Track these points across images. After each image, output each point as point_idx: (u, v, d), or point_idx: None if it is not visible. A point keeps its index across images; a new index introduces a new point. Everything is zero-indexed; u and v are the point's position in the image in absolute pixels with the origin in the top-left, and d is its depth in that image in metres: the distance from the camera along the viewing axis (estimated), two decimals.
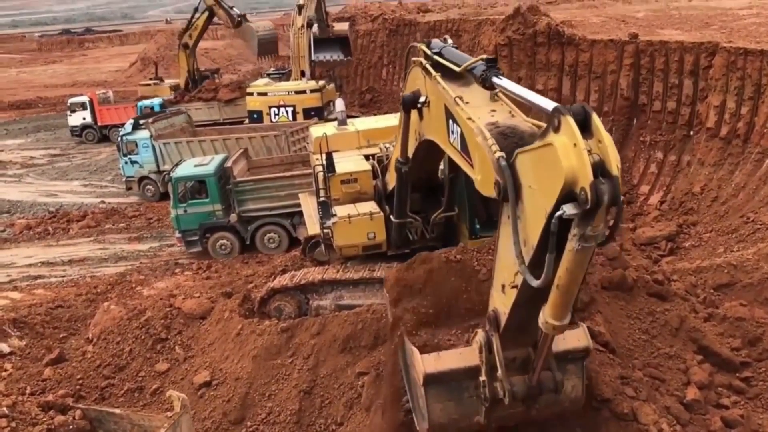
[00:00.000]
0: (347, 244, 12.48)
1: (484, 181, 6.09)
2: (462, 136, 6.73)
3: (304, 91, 31.23)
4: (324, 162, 12.37)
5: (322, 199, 12.71)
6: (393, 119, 13.02)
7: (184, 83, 40.22)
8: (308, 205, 16.26)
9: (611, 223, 4.86)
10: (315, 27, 33.44)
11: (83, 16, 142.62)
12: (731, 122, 19.18)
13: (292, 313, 12.67)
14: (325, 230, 12.89)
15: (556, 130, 4.86)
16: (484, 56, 7.34)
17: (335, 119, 15.21)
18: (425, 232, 11.93)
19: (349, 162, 12.83)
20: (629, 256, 13.15)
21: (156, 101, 37.37)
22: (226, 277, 18.11)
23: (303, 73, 33.86)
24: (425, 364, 6.88)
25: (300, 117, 30.79)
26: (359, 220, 12.15)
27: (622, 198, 4.74)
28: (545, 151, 4.96)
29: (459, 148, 6.87)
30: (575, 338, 6.98)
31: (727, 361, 10.78)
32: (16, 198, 30.41)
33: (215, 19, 39.24)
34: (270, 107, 31.33)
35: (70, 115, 41.31)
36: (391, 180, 11.57)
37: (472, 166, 6.49)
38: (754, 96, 18.70)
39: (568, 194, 4.75)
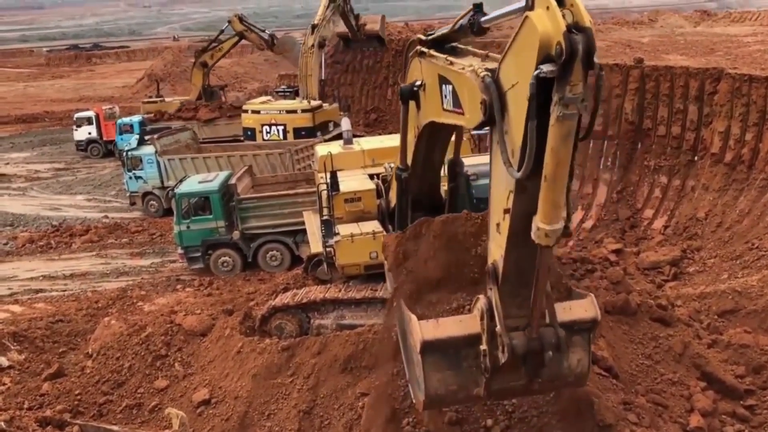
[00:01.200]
0: (349, 263, 12.50)
1: (473, 115, 6.01)
2: (454, 91, 6.68)
3: (295, 111, 31.46)
4: (328, 180, 12.39)
5: (325, 217, 12.70)
6: (398, 139, 13.07)
7: (195, 99, 40.67)
8: (312, 223, 16.28)
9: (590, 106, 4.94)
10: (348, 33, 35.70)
11: (91, 32, 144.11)
12: (736, 148, 19.21)
13: (293, 332, 12.62)
14: (328, 249, 12.86)
15: (531, 7, 4.96)
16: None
17: (338, 138, 15.27)
18: None
19: (354, 181, 12.85)
20: (633, 280, 13.09)
21: (135, 119, 37.84)
22: (228, 295, 18.06)
23: (297, 93, 34.31)
24: (423, 330, 6.44)
25: (290, 136, 31.00)
26: (362, 240, 12.17)
27: (597, 61, 4.85)
28: (523, 30, 5.04)
29: (452, 105, 6.78)
30: (582, 309, 6.50)
31: (731, 389, 10.68)
32: (20, 211, 30.47)
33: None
34: (262, 125, 31.58)
35: (76, 130, 41.53)
36: (393, 196, 11.41)
37: (463, 114, 6.45)
38: (759, 122, 18.75)
39: (546, 58, 4.81)
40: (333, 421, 10.66)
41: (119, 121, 38.47)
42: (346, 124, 15.70)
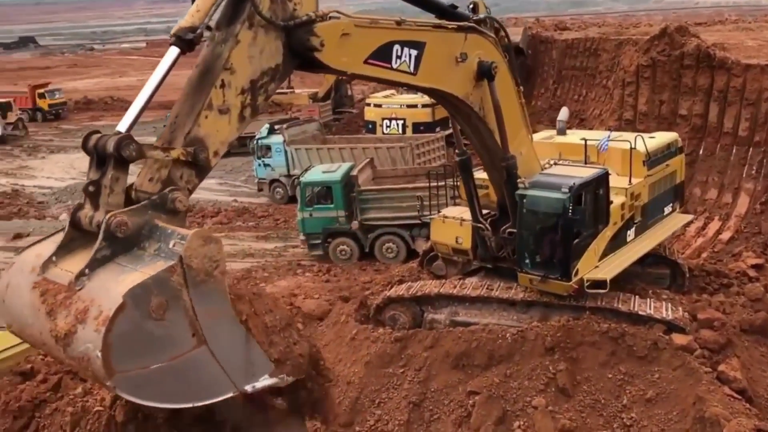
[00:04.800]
0: (439, 241, 13.29)
1: None
2: None
3: (415, 106, 31.46)
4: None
5: (458, 197, 13.07)
6: (598, 135, 13.11)
7: (324, 93, 41.73)
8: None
9: None
10: None
11: None
12: None
13: (406, 324, 12.68)
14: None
15: None
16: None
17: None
18: (496, 246, 12.05)
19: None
20: None
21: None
22: (345, 282, 18.48)
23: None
24: None
25: (409, 131, 31.05)
26: (451, 223, 12.86)
27: None
28: None
29: None
30: None
31: None
32: None
33: None
34: (383, 119, 31.85)
35: None
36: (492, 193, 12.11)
37: None
38: None
39: None
40: (442, 416, 10.65)
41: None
42: (564, 114, 15.44)
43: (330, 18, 7.85)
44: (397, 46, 8.82)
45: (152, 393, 5.86)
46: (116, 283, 5.81)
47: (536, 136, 14.56)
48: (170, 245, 6.07)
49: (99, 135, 6.46)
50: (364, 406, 11.14)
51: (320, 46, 7.72)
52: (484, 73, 10.19)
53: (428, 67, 9.29)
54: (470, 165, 12.27)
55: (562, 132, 14.23)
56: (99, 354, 5.56)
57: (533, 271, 11.33)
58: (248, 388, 6.29)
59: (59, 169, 38.57)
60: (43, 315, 6.06)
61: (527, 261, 11.44)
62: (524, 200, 11.15)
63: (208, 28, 7.25)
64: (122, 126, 6.61)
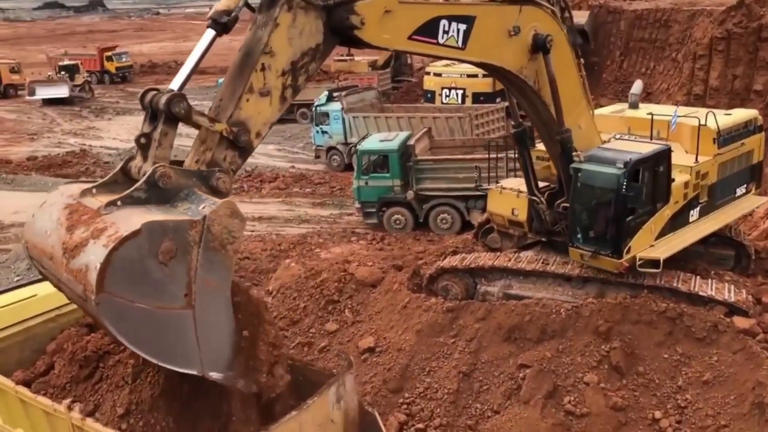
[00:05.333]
0: (496, 212, 13.35)
1: None
2: None
3: (476, 75, 30.91)
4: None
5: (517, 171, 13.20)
6: (671, 110, 12.64)
7: (383, 61, 41.54)
8: None
9: None
10: None
11: None
12: None
13: (458, 295, 12.70)
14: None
15: None
16: None
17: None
18: (550, 220, 11.98)
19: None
20: None
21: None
22: (398, 251, 18.56)
23: None
24: None
25: (469, 101, 30.58)
26: (508, 194, 12.84)
27: None
28: None
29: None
30: None
31: None
32: None
33: None
34: (442, 88, 31.47)
35: None
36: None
37: None
38: None
39: None
40: (491, 387, 10.68)
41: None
42: (637, 87, 15.14)
43: None
44: (444, 21, 8.66)
45: (127, 329, 6.04)
46: (140, 218, 6.08)
47: (607, 109, 14.23)
48: (200, 207, 6.34)
49: (155, 92, 6.76)
50: (413, 373, 11.26)
51: (360, 24, 7.71)
52: (539, 46, 10.00)
53: (478, 42, 9.13)
54: (526, 137, 12.18)
55: (634, 106, 13.81)
56: (98, 266, 5.81)
57: (584, 246, 11.20)
58: (213, 374, 6.44)
59: (125, 131, 39.76)
60: (63, 229, 6.40)
61: (579, 236, 11.30)
62: (579, 174, 10.99)
63: (252, 9, 7.42)
64: (174, 84, 6.96)
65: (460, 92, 31.42)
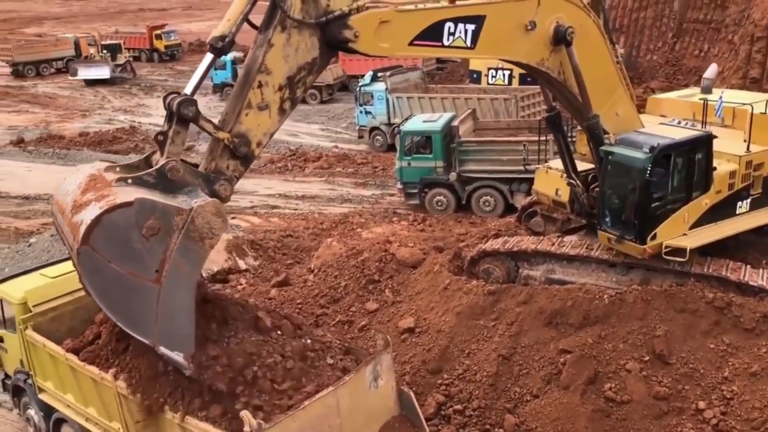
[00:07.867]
0: (541, 191, 13.48)
1: None
2: None
3: None
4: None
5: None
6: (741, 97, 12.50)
7: None
8: None
9: None
10: None
11: None
12: None
13: (499, 278, 12.64)
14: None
15: None
16: None
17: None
18: (588, 203, 11.95)
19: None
20: None
21: (227, 58, 36.52)
22: (440, 233, 18.52)
23: None
24: None
25: (516, 82, 30.01)
26: (553, 174, 12.87)
27: None
28: None
29: None
30: None
31: None
32: None
33: None
34: (489, 68, 30.95)
35: None
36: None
37: None
38: None
39: None
40: (531, 371, 10.62)
41: (224, 57, 38.08)
42: (711, 72, 14.84)
43: (367, 8, 8.16)
44: (449, 24, 8.75)
45: (98, 284, 7.04)
46: (139, 195, 7.20)
47: (676, 93, 13.85)
48: (192, 201, 7.35)
49: (174, 95, 7.83)
50: (453, 354, 11.27)
51: (354, 37, 8.17)
52: (561, 38, 9.87)
53: (489, 40, 9.13)
54: (560, 121, 12.20)
55: (707, 90, 13.43)
56: (89, 222, 6.91)
57: (611, 230, 11.10)
58: (162, 349, 7.25)
59: None
60: (80, 190, 7.66)
61: (607, 219, 11.21)
62: (608, 157, 10.92)
63: (255, 27, 8.24)
64: (188, 89, 7.96)
65: (507, 72, 30.87)
